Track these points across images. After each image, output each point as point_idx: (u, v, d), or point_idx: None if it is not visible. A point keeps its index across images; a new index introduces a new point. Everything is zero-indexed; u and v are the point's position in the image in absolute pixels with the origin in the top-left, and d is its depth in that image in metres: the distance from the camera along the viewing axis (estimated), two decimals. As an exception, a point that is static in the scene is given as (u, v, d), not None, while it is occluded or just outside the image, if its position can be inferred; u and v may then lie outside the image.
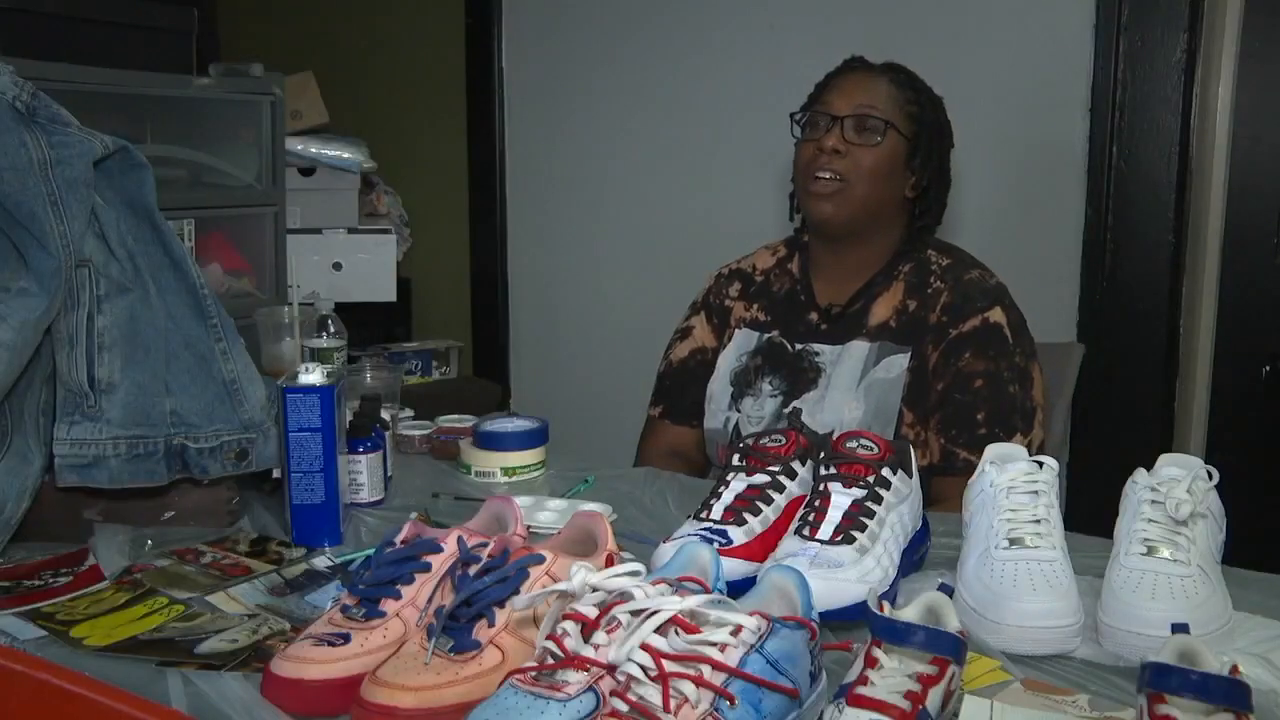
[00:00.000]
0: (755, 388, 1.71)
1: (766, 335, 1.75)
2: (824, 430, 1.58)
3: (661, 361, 1.86)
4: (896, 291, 1.67)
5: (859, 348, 1.65)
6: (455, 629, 0.90)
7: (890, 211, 1.69)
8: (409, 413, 1.79)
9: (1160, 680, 0.78)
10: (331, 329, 1.77)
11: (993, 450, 1.19)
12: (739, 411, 1.71)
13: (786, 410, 1.66)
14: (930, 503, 1.51)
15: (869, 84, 1.66)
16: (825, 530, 1.09)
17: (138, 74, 2.10)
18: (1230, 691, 0.77)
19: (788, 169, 1.75)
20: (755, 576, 1.00)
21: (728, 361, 1.77)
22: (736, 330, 1.79)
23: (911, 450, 1.22)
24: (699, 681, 0.78)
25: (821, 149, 1.63)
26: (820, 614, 0.93)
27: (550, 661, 0.82)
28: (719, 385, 1.76)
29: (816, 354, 1.69)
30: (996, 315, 1.61)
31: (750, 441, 1.26)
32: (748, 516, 1.16)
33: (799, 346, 1.70)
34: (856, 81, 1.67)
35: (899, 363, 1.62)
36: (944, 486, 1.54)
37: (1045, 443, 1.64)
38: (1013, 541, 1.07)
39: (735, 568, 1.10)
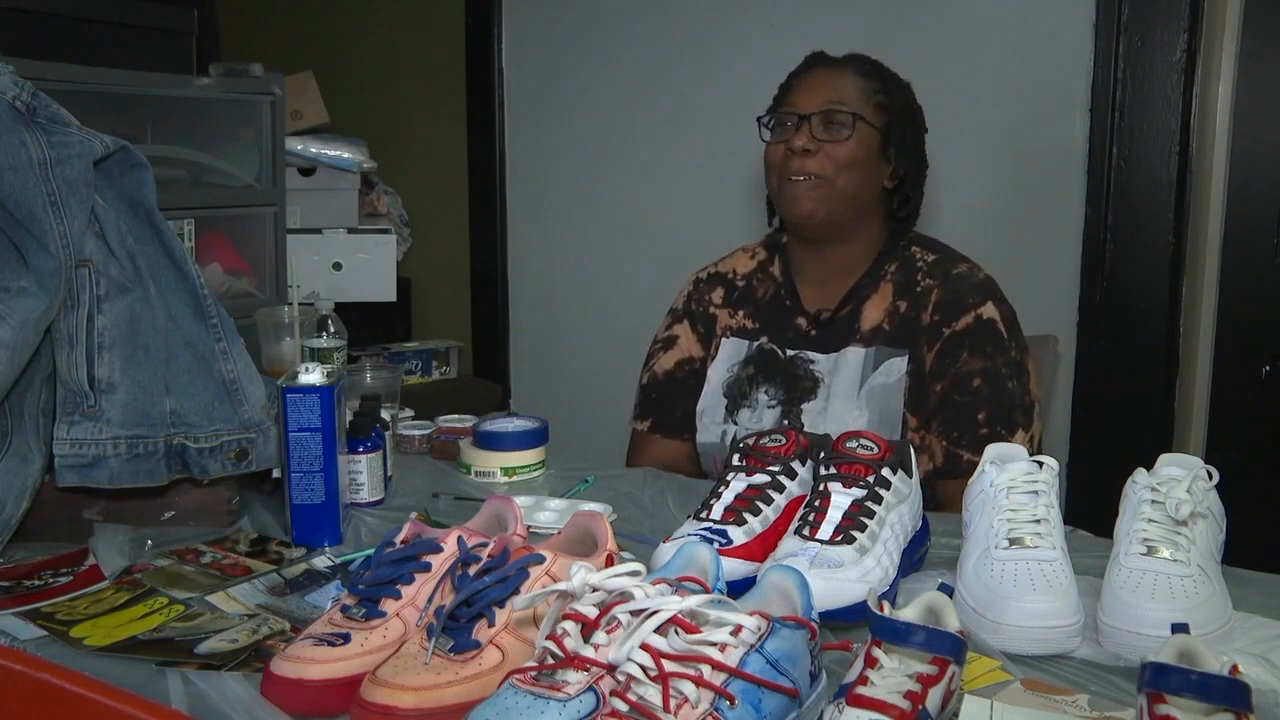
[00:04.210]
0: (751, 399, 1.68)
1: (755, 343, 1.71)
2: None
3: (644, 373, 1.80)
4: (885, 293, 1.65)
5: (855, 354, 1.63)
6: (455, 629, 0.90)
7: (870, 204, 1.65)
8: (409, 413, 1.79)
9: (1160, 680, 0.78)
10: (331, 329, 1.77)
11: (992, 450, 1.19)
12: (736, 424, 1.68)
13: (785, 422, 1.64)
14: (935, 506, 1.49)
15: (833, 79, 1.63)
16: (825, 530, 1.09)
17: (138, 74, 2.10)
18: (1230, 691, 0.77)
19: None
20: (755, 576, 1.00)
21: (718, 374, 1.73)
22: (724, 340, 1.75)
23: (911, 450, 1.22)
24: (699, 681, 0.78)
25: (791, 149, 1.61)
26: (820, 614, 0.93)
27: (550, 661, 0.82)
28: (711, 400, 1.72)
29: (812, 361, 1.66)
30: (990, 311, 1.59)
31: (750, 441, 1.26)
32: (748, 516, 1.16)
33: (790, 353, 1.68)
34: (820, 78, 1.64)
35: (897, 366, 1.60)
36: (948, 489, 1.53)
37: (1043, 435, 1.63)
38: (1013, 541, 1.07)
39: (735, 568, 1.10)
